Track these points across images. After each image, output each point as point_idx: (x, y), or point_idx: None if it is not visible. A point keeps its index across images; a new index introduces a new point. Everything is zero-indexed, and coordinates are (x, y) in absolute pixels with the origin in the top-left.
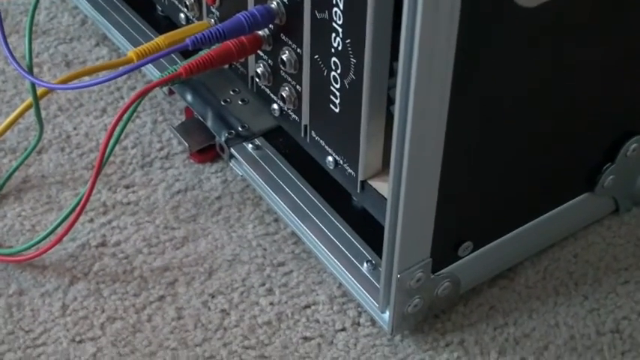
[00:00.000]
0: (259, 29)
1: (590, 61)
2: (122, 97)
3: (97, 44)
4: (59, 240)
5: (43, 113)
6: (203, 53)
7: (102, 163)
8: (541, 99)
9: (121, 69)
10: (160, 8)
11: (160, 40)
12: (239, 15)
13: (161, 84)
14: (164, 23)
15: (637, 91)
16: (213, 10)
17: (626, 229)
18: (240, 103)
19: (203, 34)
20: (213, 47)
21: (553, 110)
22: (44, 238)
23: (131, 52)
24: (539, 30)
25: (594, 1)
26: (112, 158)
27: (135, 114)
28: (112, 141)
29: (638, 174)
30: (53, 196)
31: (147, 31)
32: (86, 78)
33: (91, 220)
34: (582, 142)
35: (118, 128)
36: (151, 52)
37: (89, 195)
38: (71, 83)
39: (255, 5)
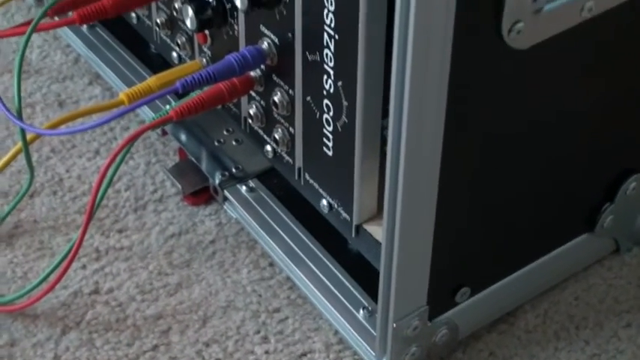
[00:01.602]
0: (250, 70)
1: (586, 100)
2: (115, 138)
3: (90, 83)
4: (51, 288)
5: (35, 155)
6: (195, 94)
7: (94, 208)
8: (538, 139)
9: (111, 113)
10: (153, 46)
11: (151, 81)
12: (229, 56)
13: (153, 127)
14: (157, 61)
15: (635, 129)
16: (205, 50)
17: (628, 270)
18: (234, 143)
19: (193, 77)
20: (205, 89)
21: (550, 150)
22: (36, 286)
23: (122, 94)
24: (533, 71)
25: (588, 41)
26: (104, 201)
27: (128, 155)
28: (104, 184)
29: (638, 213)
30: (45, 241)
31: (139, 69)
32: (79, 119)
33: (84, 267)
34: (580, 182)
35: (111, 171)
36: (143, 93)
37: (81, 241)
38: (61, 128)
39: (246, 45)
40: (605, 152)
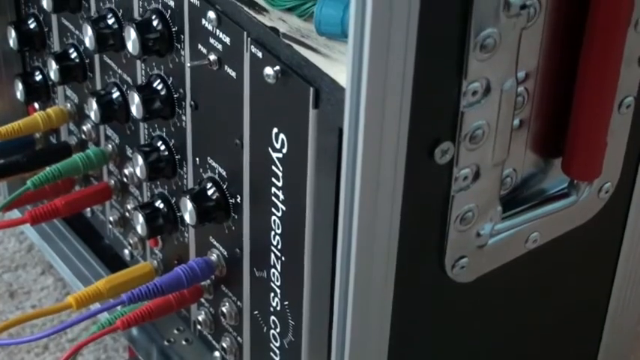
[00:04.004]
0: (199, 282)
1: (527, 323)
2: (65, 332)
3: (43, 272)
4: None
5: None
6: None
7: None
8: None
9: (59, 325)
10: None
11: (100, 284)
12: (178, 269)
13: (98, 338)
14: (110, 253)
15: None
16: (157, 252)
17: None
18: (184, 343)
19: (140, 290)
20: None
21: None
22: None
23: (71, 297)
24: (476, 300)
25: (528, 270)
26: None
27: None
28: None
29: None
30: None
31: (92, 261)
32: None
33: None
34: None
35: None
36: (91, 297)
37: None
38: (3, 337)
39: (195, 254)
40: None
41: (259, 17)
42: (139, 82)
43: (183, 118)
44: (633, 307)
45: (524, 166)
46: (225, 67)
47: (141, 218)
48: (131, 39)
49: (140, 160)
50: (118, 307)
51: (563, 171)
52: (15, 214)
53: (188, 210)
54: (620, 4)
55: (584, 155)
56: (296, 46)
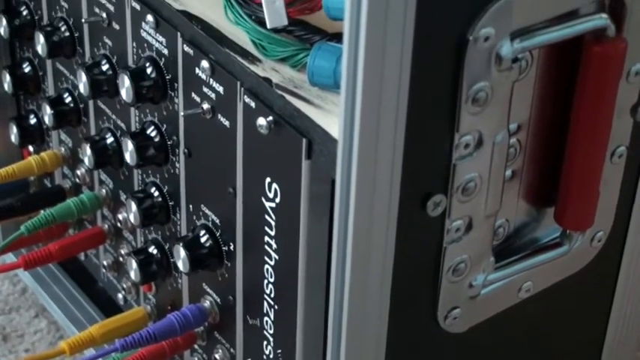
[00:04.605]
0: (192, 329)
1: None
2: None
3: (37, 315)
4: None
5: None
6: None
7: None
8: None
9: None
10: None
11: (93, 329)
12: (171, 316)
13: None
14: (104, 296)
15: None
16: (150, 297)
17: None
18: None
19: (133, 338)
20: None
21: None
22: None
23: (64, 343)
24: (471, 350)
25: (522, 317)
26: None
27: None
28: None
29: None
30: None
31: (85, 304)
32: None
33: None
34: None
35: None
36: (84, 343)
37: None
38: None
39: (189, 300)
40: None
41: (252, 67)
42: (133, 128)
43: (177, 165)
44: (628, 345)
45: (517, 216)
46: (219, 115)
47: (134, 264)
48: (125, 87)
49: (134, 206)
50: (112, 354)
51: (555, 221)
52: (9, 256)
53: (181, 257)
54: (612, 58)
55: (577, 206)
56: (289, 97)
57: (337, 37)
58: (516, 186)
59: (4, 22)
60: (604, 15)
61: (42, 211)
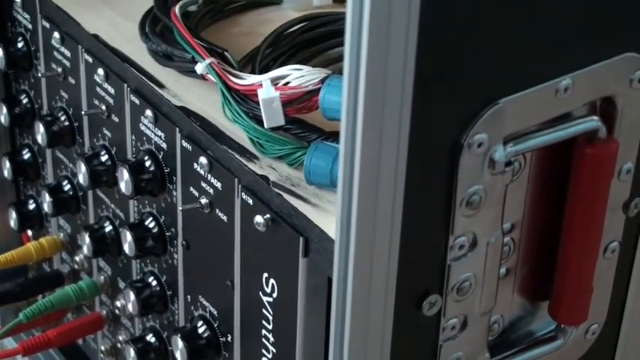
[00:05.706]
0: None
1: None
2: None
3: None
4: None
5: None
6: None
7: None
8: None
9: None
10: None
11: None
12: None
13: None
14: None
15: None
16: None
17: None
18: None
19: None
20: None
21: None
22: None
23: None
24: None
25: None
26: None
27: None
28: None
29: None
30: None
31: None
32: None
33: None
34: None
35: None
36: None
37: None
38: None
39: None
40: None
41: (250, 165)
42: (132, 219)
43: (175, 256)
44: None
45: (512, 311)
46: (217, 210)
47: (132, 352)
48: (124, 179)
49: (132, 296)
50: None
51: (550, 315)
52: (8, 340)
53: (179, 348)
54: (604, 159)
55: (571, 302)
56: (286, 195)
57: (334, 135)
58: (511, 282)
59: (5, 110)
60: (595, 117)
61: (40, 298)
